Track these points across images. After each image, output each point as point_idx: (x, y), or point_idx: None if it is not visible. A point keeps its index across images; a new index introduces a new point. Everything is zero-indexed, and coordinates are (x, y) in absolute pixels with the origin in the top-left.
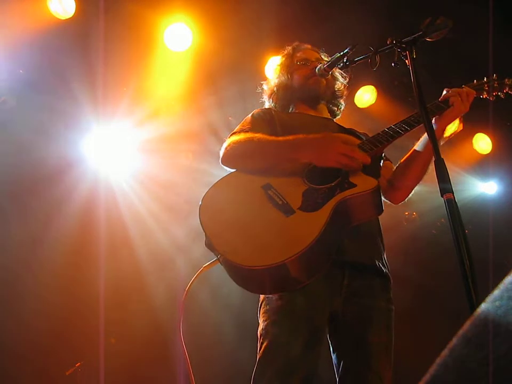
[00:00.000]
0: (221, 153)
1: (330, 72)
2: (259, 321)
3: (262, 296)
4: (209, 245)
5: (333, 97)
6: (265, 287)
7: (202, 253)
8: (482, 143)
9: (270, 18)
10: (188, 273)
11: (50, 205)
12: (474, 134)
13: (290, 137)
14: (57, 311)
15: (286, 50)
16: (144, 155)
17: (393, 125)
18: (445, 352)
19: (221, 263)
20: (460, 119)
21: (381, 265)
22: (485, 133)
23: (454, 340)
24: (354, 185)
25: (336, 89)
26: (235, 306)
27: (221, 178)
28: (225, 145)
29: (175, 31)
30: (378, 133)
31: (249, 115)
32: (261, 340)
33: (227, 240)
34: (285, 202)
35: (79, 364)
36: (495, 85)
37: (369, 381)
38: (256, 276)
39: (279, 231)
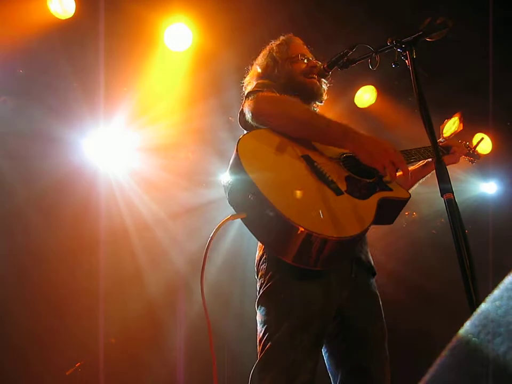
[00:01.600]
0: (252, 105)
1: (330, 72)
2: (260, 308)
3: (267, 280)
4: (252, 193)
5: (316, 101)
6: (298, 256)
7: (199, 250)
8: (482, 143)
9: (269, 18)
10: (188, 272)
11: (52, 205)
12: (474, 134)
13: (342, 122)
14: (57, 311)
15: (279, 40)
16: (144, 155)
17: (416, 150)
18: (445, 352)
19: (249, 217)
20: (460, 119)
21: (372, 264)
22: (485, 133)
23: (454, 340)
24: (391, 189)
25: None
26: (236, 305)
27: (251, 132)
28: (255, 97)
29: (175, 31)
30: (421, 148)
31: (260, 82)
32: (265, 337)
33: (275, 190)
34: (333, 180)
35: (79, 364)
36: (475, 153)
37: (375, 374)
38: (294, 236)
39: (330, 206)
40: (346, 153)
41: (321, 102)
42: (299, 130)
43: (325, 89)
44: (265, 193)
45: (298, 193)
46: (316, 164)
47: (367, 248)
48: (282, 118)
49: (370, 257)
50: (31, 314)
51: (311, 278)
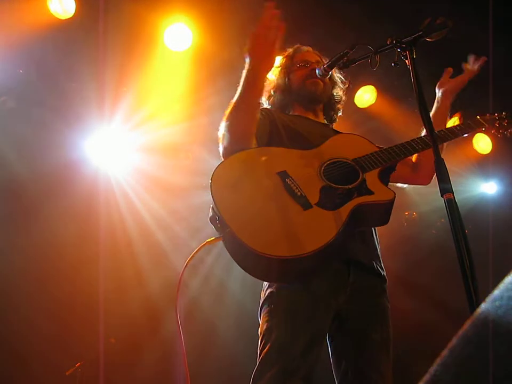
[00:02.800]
0: (220, 147)
1: (330, 72)
2: (260, 320)
3: (263, 296)
4: (218, 220)
5: (330, 101)
6: (269, 275)
7: (203, 254)
8: (482, 143)
9: None
10: (188, 273)
11: (52, 206)
12: (474, 134)
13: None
14: (57, 311)
15: (286, 52)
16: (144, 155)
17: (412, 141)
18: (445, 352)
19: (224, 241)
20: (460, 119)
21: (379, 268)
22: (485, 133)
23: (454, 340)
24: (371, 192)
25: (334, 93)
26: (233, 306)
27: (232, 156)
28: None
29: (175, 31)
30: (398, 146)
31: None
32: (263, 340)
33: (242, 220)
34: (303, 194)
35: (79, 364)
36: (504, 124)
37: (373, 380)
38: (266, 263)
39: (296, 224)
40: (330, 159)
41: (335, 101)
42: (241, 116)
43: (342, 88)
44: (229, 222)
45: (258, 215)
46: (288, 179)
47: (377, 254)
48: (233, 139)
49: (380, 263)
50: (31, 314)
51: (301, 288)
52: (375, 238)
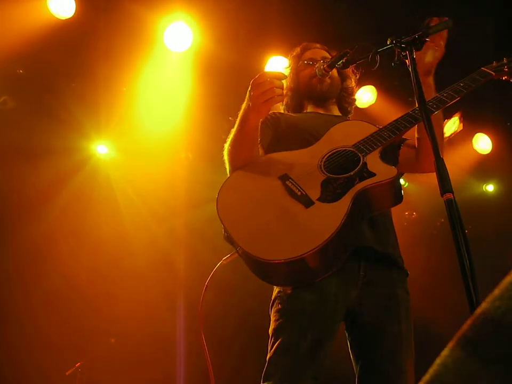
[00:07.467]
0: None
1: (330, 72)
2: (271, 320)
3: (273, 295)
4: (228, 238)
5: (341, 94)
6: (285, 280)
7: (200, 250)
8: (482, 143)
9: (270, 18)
10: (189, 275)
11: (54, 207)
12: (474, 134)
13: (238, 116)
14: (57, 311)
15: (294, 52)
16: (143, 155)
17: (412, 111)
18: (445, 352)
19: (240, 256)
20: (460, 119)
21: (397, 257)
22: (485, 133)
23: (454, 340)
24: (373, 174)
25: (345, 86)
26: (241, 309)
27: (236, 171)
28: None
29: (175, 31)
30: (397, 120)
31: None
32: (272, 340)
33: (246, 233)
34: (304, 193)
35: (79, 363)
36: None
37: (391, 375)
38: (276, 270)
39: (299, 223)
40: (330, 150)
41: (347, 94)
42: (239, 156)
43: (351, 80)
44: (235, 238)
45: (263, 226)
46: (288, 181)
47: (394, 243)
48: (232, 163)
49: (397, 252)
50: (31, 314)
51: (308, 286)
52: (391, 227)
